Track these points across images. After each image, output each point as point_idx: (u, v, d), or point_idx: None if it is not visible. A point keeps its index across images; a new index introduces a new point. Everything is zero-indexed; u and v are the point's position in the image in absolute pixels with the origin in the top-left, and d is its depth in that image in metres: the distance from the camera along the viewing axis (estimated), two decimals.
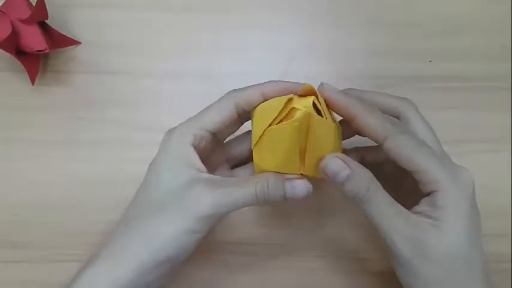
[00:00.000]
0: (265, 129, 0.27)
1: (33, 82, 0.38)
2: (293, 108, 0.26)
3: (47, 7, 0.37)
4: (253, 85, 0.29)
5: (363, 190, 0.25)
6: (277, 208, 0.37)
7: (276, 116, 0.26)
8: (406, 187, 0.29)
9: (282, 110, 0.26)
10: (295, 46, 0.40)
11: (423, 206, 0.26)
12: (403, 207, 0.26)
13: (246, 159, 0.34)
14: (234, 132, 0.32)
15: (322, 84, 0.27)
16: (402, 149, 0.26)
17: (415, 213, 0.26)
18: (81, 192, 0.37)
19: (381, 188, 0.26)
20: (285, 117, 0.27)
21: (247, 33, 0.40)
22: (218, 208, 0.26)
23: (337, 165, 0.26)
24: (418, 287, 0.26)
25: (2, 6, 0.36)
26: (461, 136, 0.37)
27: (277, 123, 0.27)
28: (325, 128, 0.26)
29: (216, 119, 0.29)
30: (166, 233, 0.26)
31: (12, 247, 0.36)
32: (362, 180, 0.26)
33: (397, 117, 0.29)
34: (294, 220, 0.37)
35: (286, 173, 0.28)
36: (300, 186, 0.27)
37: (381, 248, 0.36)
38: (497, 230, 0.36)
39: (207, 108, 0.30)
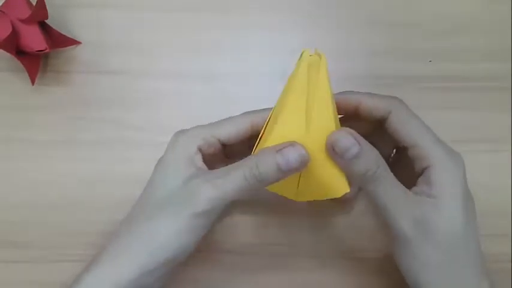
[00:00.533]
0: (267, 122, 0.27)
1: (33, 82, 0.38)
2: None
3: (47, 7, 0.37)
4: (266, 108, 0.29)
5: (374, 167, 0.25)
6: (277, 208, 0.37)
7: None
8: (400, 172, 0.28)
9: None
10: (295, 46, 0.40)
11: (420, 185, 0.27)
12: (405, 188, 0.27)
13: None
14: (243, 152, 0.30)
15: None
16: (404, 123, 0.27)
17: (415, 193, 0.27)
18: (81, 192, 0.37)
19: (388, 168, 0.26)
20: None
21: (247, 33, 0.40)
22: (212, 202, 0.26)
23: (348, 141, 0.24)
24: (416, 268, 0.26)
25: (2, 6, 0.36)
26: (461, 136, 0.37)
27: None
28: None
29: (229, 129, 0.29)
30: (166, 233, 0.26)
31: (12, 247, 0.36)
32: (372, 158, 0.25)
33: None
34: (293, 220, 0.37)
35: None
36: (292, 154, 0.25)
37: (381, 248, 0.36)
38: (497, 230, 0.36)
39: (224, 119, 0.30)
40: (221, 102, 0.38)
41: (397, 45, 0.40)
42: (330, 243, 0.37)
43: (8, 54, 0.36)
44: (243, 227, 0.37)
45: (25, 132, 0.38)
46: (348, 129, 0.25)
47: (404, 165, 0.29)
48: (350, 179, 0.27)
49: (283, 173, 0.25)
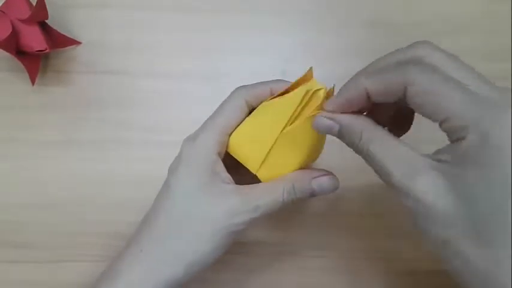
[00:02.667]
0: (277, 137, 0.27)
1: (33, 82, 0.38)
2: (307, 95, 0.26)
3: (47, 7, 0.37)
4: (262, 82, 0.29)
5: (356, 140, 0.24)
6: None
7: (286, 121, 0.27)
8: None
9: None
10: (295, 46, 0.40)
11: (444, 154, 0.22)
12: (407, 149, 0.23)
13: None
14: None
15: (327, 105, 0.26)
16: (423, 95, 0.21)
17: (432, 159, 0.22)
18: (81, 192, 0.37)
19: (378, 133, 0.24)
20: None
21: (247, 33, 0.40)
22: (251, 222, 0.27)
23: (326, 123, 0.25)
24: (428, 243, 0.22)
25: (2, 6, 0.36)
26: None
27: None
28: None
29: (233, 121, 0.29)
30: (203, 251, 0.27)
31: (12, 247, 0.36)
32: (352, 131, 0.24)
33: None
34: (294, 220, 0.37)
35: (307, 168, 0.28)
36: (327, 183, 0.28)
37: (382, 248, 0.36)
38: None
39: (221, 109, 0.29)
40: (221, 102, 0.38)
41: (397, 45, 0.39)
42: (330, 243, 0.37)
43: (8, 54, 0.36)
44: None
45: (25, 132, 0.38)
46: (322, 113, 0.25)
47: None
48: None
49: (314, 196, 0.28)
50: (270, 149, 0.28)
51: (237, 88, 0.29)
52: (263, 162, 0.28)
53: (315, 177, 0.28)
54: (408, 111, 0.28)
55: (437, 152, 0.22)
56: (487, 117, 0.20)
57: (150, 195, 0.30)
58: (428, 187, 0.21)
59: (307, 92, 0.26)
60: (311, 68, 0.27)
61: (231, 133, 0.29)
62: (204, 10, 0.40)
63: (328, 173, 0.28)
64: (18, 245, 0.36)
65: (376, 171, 0.24)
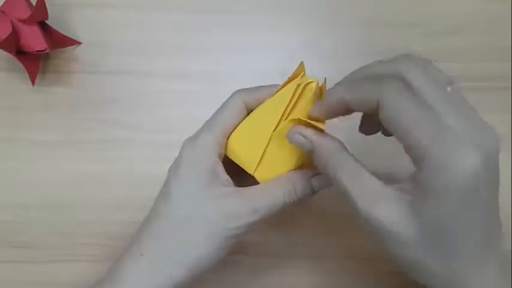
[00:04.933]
0: (270, 136, 0.27)
1: (33, 82, 0.38)
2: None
3: (47, 7, 0.37)
4: (262, 86, 0.29)
5: (323, 163, 0.25)
6: None
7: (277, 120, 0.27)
8: None
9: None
10: (295, 46, 0.40)
11: (407, 183, 0.23)
12: (372, 179, 0.23)
13: None
14: None
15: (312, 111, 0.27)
16: (393, 118, 0.22)
17: (395, 189, 0.23)
18: (81, 192, 0.37)
19: (347, 160, 0.24)
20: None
21: (247, 33, 0.40)
22: (247, 221, 0.27)
23: (299, 140, 0.26)
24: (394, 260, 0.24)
25: (2, 6, 0.36)
26: None
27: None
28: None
29: (232, 123, 0.29)
30: (205, 252, 0.27)
31: (12, 247, 0.36)
32: (321, 154, 0.25)
33: None
34: (294, 221, 0.37)
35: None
36: (327, 181, 0.28)
37: (381, 248, 0.36)
38: None
39: (221, 111, 0.29)
40: (221, 102, 0.38)
41: (397, 45, 0.40)
42: (330, 243, 0.37)
43: (8, 54, 0.36)
44: None
45: (25, 132, 0.38)
46: (295, 128, 0.26)
47: None
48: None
49: (314, 194, 0.28)
50: (265, 149, 0.27)
51: (237, 91, 0.29)
52: (259, 162, 0.28)
53: (314, 176, 0.28)
54: None
55: (403, 182, 0.23)
56: (444, 152, 0.20)
57: (151, 195, 0.30)
58: (387, 213, 0.22)
59: (299, 85, 0.26)
60: (302, 62, 0.27)
61: (229, 134, 0.29)
62: (204, 10, 0.40)
63: None
64: (18, 245, 0.36)
65: (342, 194, 0.24)
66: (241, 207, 0.27)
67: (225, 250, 0.28)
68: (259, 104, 0.29)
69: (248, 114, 0.29)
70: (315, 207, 0.37)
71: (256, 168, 0.28)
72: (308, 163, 0.28)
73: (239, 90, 0.29)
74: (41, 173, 0.38)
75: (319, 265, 0.36)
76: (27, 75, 0.37)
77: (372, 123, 0.28)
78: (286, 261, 0.36)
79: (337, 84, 0.25)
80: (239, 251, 0.36)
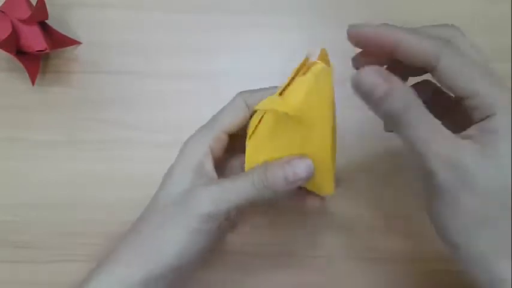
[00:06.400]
0: (263, 115, 0.27)
1: (33, 82, 0.38)
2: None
3: (47, 7, 0.37)
4: (264, 88, 0.30)
5: (403, 110, 0.22)
6: (277, 208, 0.37)
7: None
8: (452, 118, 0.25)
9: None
10: (295, 46, 0.40)
11: (473, 130, 0.23)
12: (448, 130, 0.23)
13: None
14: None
15: (349, 26, 0.25)
16: (458, 70, 0.22)
17: (462, 138, 0.22)
18: (81, 192, 0.37)
19: (423, 107, 0.23)
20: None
21: (247, 33, 0.40)
22: (217, 204, 0.26)
23: (374, 80, 0.22)
24: (456, 221, 0.22)
25: (2, 6, 0.36)
26: None
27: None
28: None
29: (232, 120, 0.29)
30: (170, 239, 0.27)
31: (12, 247, 0.36)
32: (402, 97, 0.22)
33: None
34: (294, 220, 0.37)
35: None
36: (300, 166, 0.26)
37: (381, 248, 0.36)
38: None
39: (221, 110, 0.30)
40: (221, 102, 0.38)
41: None
42: (330, 243, 0.37)
43: (8, 54, 0.36)
44: (243, 228, 0.37)
45: (25, 132, 0.38)
46: (373, 67, 0.23)
47: (458, 113, 0.24)
48: (381, 119, 0.24)
49: (290, 183, 0.26)
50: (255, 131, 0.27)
51: (239, 92, 0.30)
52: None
53: (287, 161, 0.26)
54: None
55: (465, 133, 0.23)
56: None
57: (151, 195, 0.30)
58: (472, 159, 0.22)
59: (304, 64, 0.25)
60: (323, 49, 0.26)
61: (230, 131, 0.29)
62: (204, 10, 0.40)
63: (302, 156, 0.26)
64: (18, 245, 0.36)
65: (415, 145, 0.22)
66: (209, 191, 0.27)
67: (202, 240, 0.27)
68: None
69: (250, 112, 0.29)
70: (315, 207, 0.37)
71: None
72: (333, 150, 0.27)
73: (241, 92, 0.30)
74: (41, 173, 0.38)
75: (318, 265, 0.36)
76: (27, 75, 0.37)
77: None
78: (285, 261, 0.36)
79: (392, 25, 0.24)
80: (238, 251, 0.36)
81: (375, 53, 0.25)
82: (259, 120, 0.27)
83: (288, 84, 0.26)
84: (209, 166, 0.29)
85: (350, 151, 0.36)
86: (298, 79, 0.25)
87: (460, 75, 0.22)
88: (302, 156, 0.26)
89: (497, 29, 0.40)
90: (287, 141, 0.26)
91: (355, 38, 0.24)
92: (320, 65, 0.25)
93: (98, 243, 0.36)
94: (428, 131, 0.22)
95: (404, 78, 0.28)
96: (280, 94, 0.26)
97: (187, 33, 0.40)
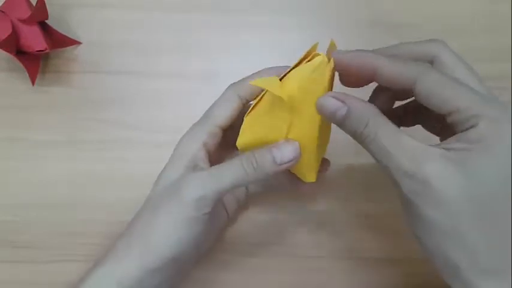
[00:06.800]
0: (264, 94, 0.27)
1: (33, 82, 0.38)
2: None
3: (47, 7, 0.37)
4: (251, 74, 0.30)
5: (362, 127, 0.24)
6: (277, 208, 0.37)
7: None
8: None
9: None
10: (295, 46, 0.40)
11: (450, 141, 0.22)
12: (413, 140, 0.23)
13: None
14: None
15: (333, 53, 0.26)
16: (434, 89, 0.22)
17: (440, 148, 0.22)
18: (81, 192, 0.37)
19: (385, 122, 0.24)
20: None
21: (247, 33, 0.40)
22: (207, 189, 0.26)
23: (333, 104, 0.24)
24: (425, 232, 0.23)
25: (2, 6, 0.36)
26: None
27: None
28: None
29: (224, 113, 0.29)
30: (163, 230, 0.27)
31: (12, 247, 0.36)
32: (360, 117, 0.24)
33: (431, 63, 0.26)
34: (294, 220, 0.37)
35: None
36: (287, 148, 0.27)
37: (381, 248, 0.36)
38: None
39: (213, 105, 0.30)
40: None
41: None
42: (330, 243, 0.37)
43: (8, 54, 0.36)
44: (243, 227, 0.37)
45: (25, 132, 0.38)
46: (332, 93, 0.25)
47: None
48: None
49: (278, 165, 0.27)
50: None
51: (230, 84, 0.30)
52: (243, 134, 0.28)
53: (273, 145, 0.27)
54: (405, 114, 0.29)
55: (443, 142, 0.23)
56: (495, 109, 0.21)
57: None
58: (436, 171, 0.21)
59: (306, 56, 0.26)
60: (316, 43, 0.27)
61: (223, 125, 0.29)
62: (204, 10, 0.40)
63: (289, 139, 0.27)
64: (18, 245, 0.36)
65: (379, 159, 0.23)
66: (197, 176, 0.27)
67: (195, 228, 0.27)
68: (251, 92, 0.29)
69: (242, 103, 0.30)
70: (315, 207, 0.37)
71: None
72: (324, 141, 0.28)
73: (232, 84, 0.30)
74: (41, 173, 0.38)
75: (319, 265, 0.36)
76: (27, 75, 0.37)
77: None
78: (285, 261, 0.36)
79: (375, 51, 0.25)
80: (238, 251, 0.36)
81: (358, 77, 0.26)
82: (260, 98, 0.28)
83: (290, 71, 0.27)
84: (203, 161, 0.29)
85: (351, 152, 0.36)
86: (297, 67, 0.26)
87: (437, 95, 0.22)
88: (289, 139, 0.27)
89: (497, 29, 0.40)
90: (278, 123, 0.27)
91: (336, 65, 0.26)
92: (321, 57, 0.25)
93: (98, 243, 0.36)
94: (389, 144, 0.23)
95: (391, 101, 0.29)
96: (281, 79, 0.27)
97: (187, 33, 0.40)
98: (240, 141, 0.28)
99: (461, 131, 0.22)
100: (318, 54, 0.26)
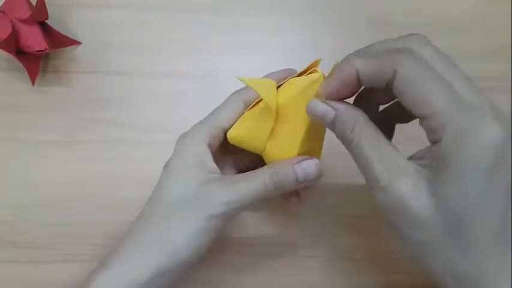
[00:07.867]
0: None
1: (33, 82, 0.38)
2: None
3: (47, 7, 0.37)
4: (266, 75, 0.30)
5: (348, 131, 0.24)
6: (277, 208, 0.37)
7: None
8: None
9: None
10: (295, 46, 0.40)
11: (422, 153, 0.23)
12: (394, 150, 0.23)
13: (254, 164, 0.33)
14: None
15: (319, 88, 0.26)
16: (409, 87, 0.21)
17: (414, 160, 0.23)
18: (81, 192, 0.37)
19: (369, 130, 0.24)
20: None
21: (247, 33, 0.40)
22: (230, 204, 0.27)
23: (322, 108, 0.25)
24: (406, 243, 0.23)
25: (2, 6, 0.36)
26: None
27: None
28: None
29: (228, 115, 0.29)
30: (182, 234, 0.27)
31: (12, 247, 0.36)
32: (347, 121, 0.24)
33: None
34: (293, 220, 0.37)
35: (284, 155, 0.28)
36: (311, 167, 0.27)
37: (381, 248, 0.36)
38: None
39: (218, 108, 0.30)
40: (221, 102, 0.38)
41: None
42: (330, 243, 0.37)
43: (8, 54, 0.36)
44: (243, 227, 0.37)
45: (25, 132, 0.38)
46: (319, 98, 0.25)
47: None
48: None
49: (300, 183, 0.27)
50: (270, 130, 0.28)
51: (234, 92, 0.30)
52: (265, 145, 0.28)
53: (298, 162, 0.27)
54: (391, 120, 0.29)
55: (420, 155, 0.23)
56: (465, 120, 0.20)
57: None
58: (409, 188, 0.21)
59: (304, 72, 0.27)
60: (319, 60, 0.28)
61: (227, 127, 0.29)
62: (204, 10, 0.40)
63: (311, 157, 0.28)
64: (18, 245, 0.36)
65: (359, 165, 0.24)
66: (221, 187, 0.27)
67: (207, 234, 0.27)
68: (255, 99, 0.29)
69: (246, 107, 0.30)
70: (314, 208, 0.37)
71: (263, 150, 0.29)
72: (313, 149, 0.28)
73: (236, 91, 0.30)
74: (40, 173, 0.38)
75: (318, 265, 0.36)
76: (27, 75, 0.37)
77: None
78: (285, 261, 0.36)
79: (349, 55, 0.25)
80: (237, 251, 0.36)
81: (348, 91, 0.25)
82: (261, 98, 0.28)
83: (290, 79, 0.28)
84: (211, 162, 0.29)
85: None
86: (293, 79, 0.27)
87: (412, 92, 0.21)
88: (312, 157, 0.27)
89: (497, 29, 0.40)
90: (264, 125, 0.28)
91: (326, 97, 0.26)
92: (318, 74, 0.26)
93: (98, 243, 0.36)
94: (370, 152, 0.23)
95: (376, 107, 0.28)
96: (280, 85, 0.28)
97: (187, 33, 0.40)
98: (232, 132, 0.29)
99: (431, 142, 0.21)
100: (316, 71, 0.27)
